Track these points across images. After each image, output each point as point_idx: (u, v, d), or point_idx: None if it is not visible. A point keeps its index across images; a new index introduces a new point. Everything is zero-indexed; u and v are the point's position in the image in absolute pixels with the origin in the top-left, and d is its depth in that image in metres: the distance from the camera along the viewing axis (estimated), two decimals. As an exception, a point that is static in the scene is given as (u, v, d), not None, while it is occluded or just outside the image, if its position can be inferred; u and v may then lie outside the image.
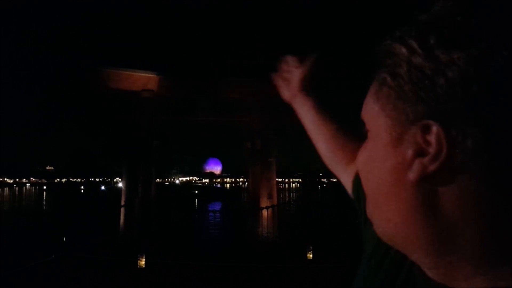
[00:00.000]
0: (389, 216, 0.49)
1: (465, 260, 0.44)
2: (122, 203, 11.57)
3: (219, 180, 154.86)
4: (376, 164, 0.50)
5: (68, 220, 11.37)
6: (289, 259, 8.83)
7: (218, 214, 21.67)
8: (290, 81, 1.12)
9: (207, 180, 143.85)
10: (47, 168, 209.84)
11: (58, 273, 7.68)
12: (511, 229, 0.41)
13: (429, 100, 0.42)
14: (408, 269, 0.56)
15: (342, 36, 10.42)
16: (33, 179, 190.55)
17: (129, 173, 11.73)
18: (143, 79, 11.33)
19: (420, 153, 0.43)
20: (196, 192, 57.22)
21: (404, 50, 0.45)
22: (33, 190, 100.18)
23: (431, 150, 0.42)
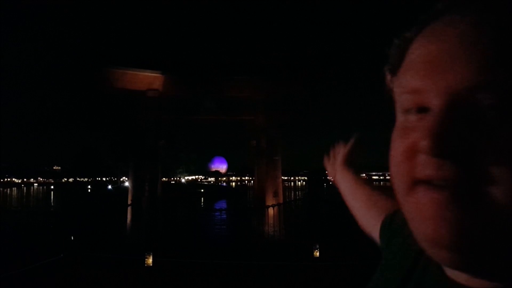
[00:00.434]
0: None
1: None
2: (129, 202, 11.63)
3: (224, 178, 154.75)
4: None
5: (75, 219, 11.42)
6: (296, 257, 8.81)
7: (224, 213, 21.69)
8: (334, 160, 1.29)
9: (212, 179, 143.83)
10: (54, 168, 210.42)
11: (66, 272, 7.72)
12: None
13: None
14: (424, 264, 0.57)
15: (345, 36, 10.39)
16: (41, 179, 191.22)
17: (136, 172, 11.77)
18: (148, 79, 11.35)
19: None
20: (202, 190, 57.22)
21: None
22: (41, 189, 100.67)
23: None
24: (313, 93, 12.85)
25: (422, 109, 0.45)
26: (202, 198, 44.16)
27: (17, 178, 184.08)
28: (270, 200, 11.80)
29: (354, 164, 1.23)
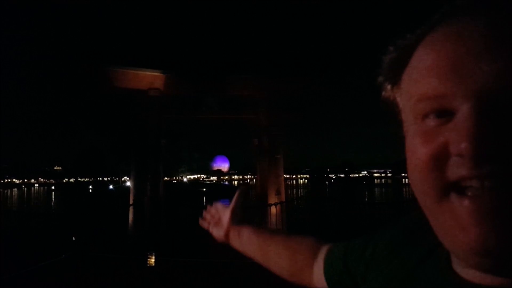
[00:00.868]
0: None
1: None
2: (131, 202, 11.61)
3: (226, 177, 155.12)
4: None
5: (77, 219, 11.41)
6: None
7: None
8: (219, 223, 1.25)
9: (214, 178, 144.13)
10: (55, 168, 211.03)
11: (69, 272, 7.72)
12: None
13: None
14: (434, 262, 0.55)
15: (348, 35, 10.38)
16: (42, 179, 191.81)
17: (137, 171, 11.76)
18: (150, 78, 11.34)
19: None
20: (204, 189, 57.32)
21: None
22: (42, 190, 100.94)
23: None
24: (315, 92, 12.86)
25: (443, 113, 0.44)
26: (204, 197, 44.22)
27: (17, 179, 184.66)
28: (272, 199, 11.79)
29: (240, 218, 1.22)
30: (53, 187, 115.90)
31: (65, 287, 6.94)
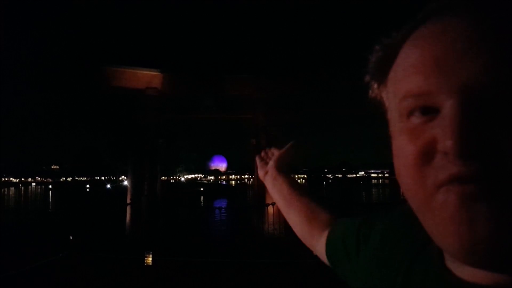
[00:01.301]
0: None
1: None
2: (128, 201, 11.61)
3: (224, 177, 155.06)
4: None
5: (74, 218, 11.40)
6: (296, 255, 8.80)
7: (224, 211, 21.68)
8: (267, 161, 1.29)
9: (212, 177, 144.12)
10: (52, 167, 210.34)
11: (66, 272, 7.71)
12: None
13: None
14: (427, 258, 0.54)
15: (346, 34, 10.39)
16: (39, 178, 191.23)
17: (135, 171, 11.75)
18: (147, 77, 11.33)
19: None
20: (202, 189, 57.27)
21: None
22: (39, 189, 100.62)
23: None
24: (312, 92, 12.87)
25: (428, 110, 0.43)
26: (202, 197, 44.16)
27: (14, 178, 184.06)
28: (270, 198, 11.79)
29: (286, 168, 1.24)
30: (50, 186, 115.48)
31: (62, 286, 6.93)
